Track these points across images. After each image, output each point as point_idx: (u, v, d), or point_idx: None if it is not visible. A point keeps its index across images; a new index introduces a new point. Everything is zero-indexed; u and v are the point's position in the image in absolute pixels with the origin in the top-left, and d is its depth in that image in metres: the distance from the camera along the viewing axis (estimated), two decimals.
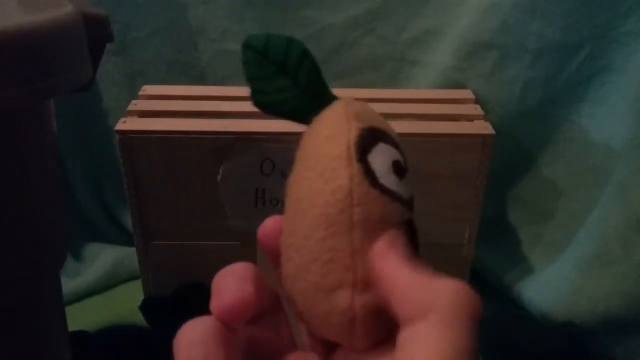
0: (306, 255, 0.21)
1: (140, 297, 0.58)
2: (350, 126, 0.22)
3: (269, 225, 0.24)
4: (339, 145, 0.21)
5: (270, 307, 0.24)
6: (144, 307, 0.59)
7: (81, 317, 0.61)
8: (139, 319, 0.59)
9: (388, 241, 0.20)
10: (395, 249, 0.20)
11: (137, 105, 0.54)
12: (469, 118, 0.54)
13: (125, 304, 0.62)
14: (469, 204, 0.53)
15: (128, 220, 0.64)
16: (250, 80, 0.24)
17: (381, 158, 0.21)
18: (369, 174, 0.21)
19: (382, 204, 0.21)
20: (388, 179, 0.21)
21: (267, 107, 0.24)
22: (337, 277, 0.21)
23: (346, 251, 0.21)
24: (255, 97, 0.24)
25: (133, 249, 0.56)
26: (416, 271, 0.19)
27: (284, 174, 0.47)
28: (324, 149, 0.22)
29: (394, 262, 0.20)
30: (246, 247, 0.54)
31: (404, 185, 0.22)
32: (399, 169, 0.22)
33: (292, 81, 0.23)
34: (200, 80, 0.65)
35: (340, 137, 0.21)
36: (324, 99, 0.23)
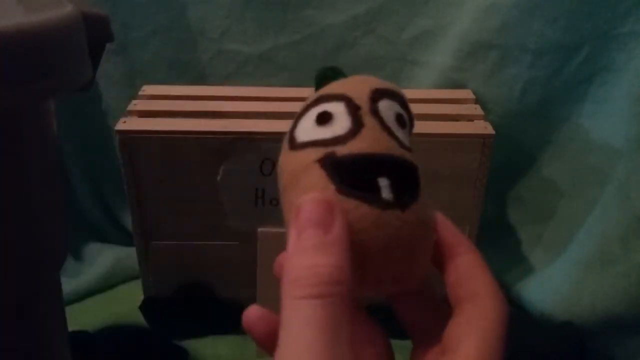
0: None
1: (140, 296, 0.58)
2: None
3: (252, 315, 0.24)
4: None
5: None
6: (144, 307, 0.59)
7: (81, 317, 0.61)
8: (139, 318, 0.59)
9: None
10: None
11: (137, 105, 0.54)
12: (469, 118, 0.54)
13: (125, 304, 0.62)
14: (469, 203, 0.53)
15: (128, 220, 0.64)
16: None
17: (305, 121, 0.25)
18: (291, 142, 0.25)
19: (293, 158, 0.24)
20: (306, 134, 0.24)
21: None
22: None
23: None
24: None
25: (133, 249, 0.56)
26: None
27: None
28: None
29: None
30: (246, 247, 0.54)
31: (334, 125, 0.24)
32: (321, 118, 0.24)
33: None
34: (200, 80, 0.65)
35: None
36: None
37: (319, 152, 0.23)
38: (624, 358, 0.54)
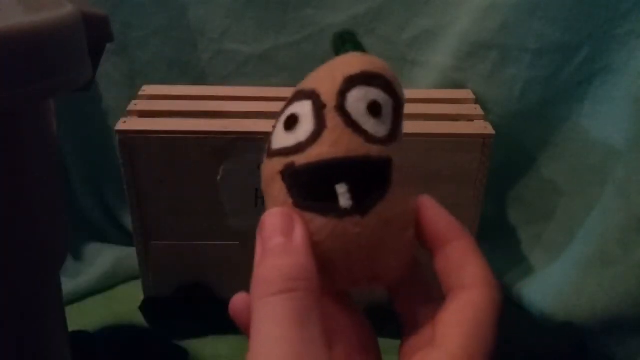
0: None
1: (140, 297, 0.58)
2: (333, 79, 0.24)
3: (238, 302, 0.25)
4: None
5: None
6: (144, 308, 0.58)
7: (81, 317, 0.60)
8: (139, 319, 0.59)
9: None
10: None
11: (137, 105, 0.54)
12: (469, 118, 0.54)
13: (125, 304, 0.62)
14: (469, 204, 0.53)
15: (128, 220, 0.64)
16: None
17: (278, 124, 0.24)
18: (268, 147, 0.24)
19: (266, 167, 0.24)
20: (278, 140, 0.24)
21: None
22: None
23: None
24: None
25: (133, 249, 0.56)
26: None
27: None
28: None
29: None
30: (246, 247, 0.54)
31: (298, 130, 0.23)
32: (287, 123, 0.24)
33: None
34: (200, 80, 0.65)
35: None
36: None
37: (282, 162, 0.23)
38: (624, 358, 0.54)
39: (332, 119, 0.23)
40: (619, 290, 0.51)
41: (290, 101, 0.25)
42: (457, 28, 0.59)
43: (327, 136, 0.22)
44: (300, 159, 0.22)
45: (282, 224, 0.22)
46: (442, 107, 0.55)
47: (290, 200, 0.22)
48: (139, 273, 0.57)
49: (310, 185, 0.22)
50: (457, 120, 0.54)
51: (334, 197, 0.22)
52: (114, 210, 0.70)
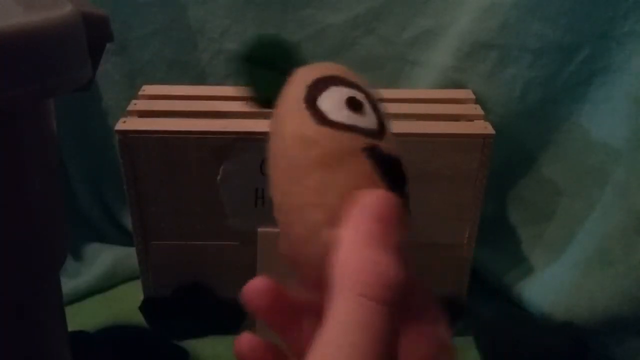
0: (293, 197, 0.23)
1: (140, 297, 0.58)
2: (300, 83, 0.24)
3: (253, 286, 0.24)
4: (291, 100, 0.24)
5: None
6: (144, 308, 0.58)
7: (81, 317, 0.61)
8: (139, 319, 0.59)
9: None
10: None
11: (136, 105, 0.54)
12: (469, 118, 0.54)
13: (125, 304, 0.62)
14: (469, 204, 0.53)
15: (128, 220, 0.64)
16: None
17: (331, 99, 0.23)
18: (316, 115, 0.22)
19: (334, 137, 0.22)
20: (340, 115, 0.22)
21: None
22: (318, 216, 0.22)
23: (315, 189, 0.22)
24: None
25: (133, 249, 0.56)
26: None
27: None
28: (282, 108, 0.25)
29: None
30: (246, 247, 0.54)
31: (365, 117, 0.23)
32: (353, 103, 0.23)
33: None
34: (200, 80, 0.65)
35: (292, 95, 0.24)
36: None
37: (362, 140, 0.22)
38: (624, 358, 0.54)
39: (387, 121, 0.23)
40: (619, 290, 0.51)
41: (329, 80, 0.24)
42: (457, 28, 0.59)
43: (389, 135, 0.23)
44: (383, 146, 0.22)
45: (391, 214, 0.19)
46: (442, 107, 0.55)
47: (383, 185, 0.21)
48: (139, 273, 0.57)
49: (393, 178, 0.22)
50: (457, 120, 0.54)
51: (405, 194, 0.22)
52: (113, 210, 0.70)
